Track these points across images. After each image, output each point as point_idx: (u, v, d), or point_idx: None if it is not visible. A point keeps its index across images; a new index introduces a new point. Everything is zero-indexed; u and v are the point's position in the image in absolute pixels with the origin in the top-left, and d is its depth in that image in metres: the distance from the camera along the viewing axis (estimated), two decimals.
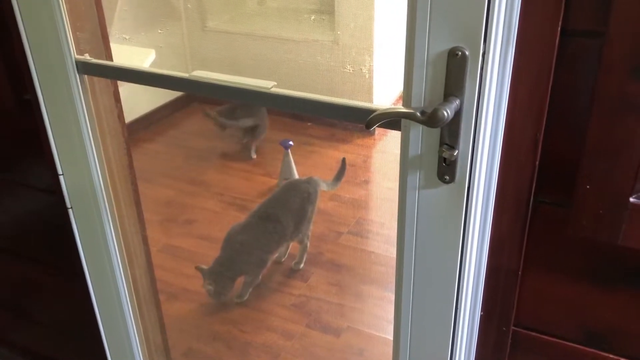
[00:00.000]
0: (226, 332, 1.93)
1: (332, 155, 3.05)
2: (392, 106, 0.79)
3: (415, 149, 0.83)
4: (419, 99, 0.78)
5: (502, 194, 0.84)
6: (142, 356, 1.48)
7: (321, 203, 2.57)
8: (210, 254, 2.08)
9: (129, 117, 1.31)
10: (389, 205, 2.69)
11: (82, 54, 1.12)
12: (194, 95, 3.62)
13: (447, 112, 0.74)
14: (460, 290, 0.91)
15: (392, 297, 2.05)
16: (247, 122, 3.01)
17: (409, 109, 0.78)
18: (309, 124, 3.08)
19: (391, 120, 0.81)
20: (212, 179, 2.87)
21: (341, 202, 2.65)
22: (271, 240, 2.11)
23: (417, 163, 0.84)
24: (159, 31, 2.98)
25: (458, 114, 0.77)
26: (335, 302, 2.05)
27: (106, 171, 1.23)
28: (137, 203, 1.40)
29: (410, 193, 0.87)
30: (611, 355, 0.90)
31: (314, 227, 2.39)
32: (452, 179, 0.83)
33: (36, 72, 1.13)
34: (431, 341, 0.97)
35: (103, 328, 1.47)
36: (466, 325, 0.95)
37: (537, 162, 0.81)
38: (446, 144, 0.80)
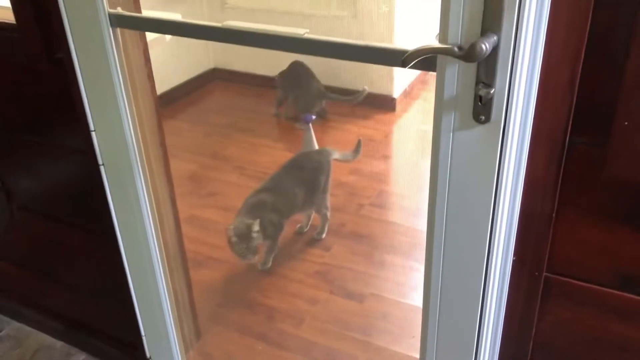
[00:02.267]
0: (251, 298, 1.95)
1: (352, 131, 3.05)
2: (429, 44, 0.79)
3: (450, 89, 0.83)
4: (456, 35, 0.78)
5: (537, 134, 0.84)
6: (172, 317, 1.50)
7: (342, 176, 2.57)
8: None
9: None
10: (410, 179, 2.69)
11: (114, 8, 1.13)
12: (216, 73, 3.64)
13: (485, 46, 0.74)
14: (493, 234, 0.92)
15: (415, 265, 2.06)
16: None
17: (446, 45, 0.78)
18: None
19: (427, 59, 0.81)
20: (233, 153, 2.89)
21: (362, 175, 2.65)
22: (282, 208, 2.12)
23: (453, 104, 0.84)
24: None
25: (495, 50, 0.77)
26: (358, 269, 2.06)
27: (137, 128, 1.25)
28: (166, 161, 1.42)
29: (444, 135, 0.87)
30: None
31: (335, 199, 2.39)
32: (487, 119, 0.83)
33: (69, 27, 1.14)
34: (463, 286, 0.98)
35: (134, 289, 1.49)
36: (498, 270, 0.95)
37: (574, 100, 0.80)
38: (482, 82, 0.80)
